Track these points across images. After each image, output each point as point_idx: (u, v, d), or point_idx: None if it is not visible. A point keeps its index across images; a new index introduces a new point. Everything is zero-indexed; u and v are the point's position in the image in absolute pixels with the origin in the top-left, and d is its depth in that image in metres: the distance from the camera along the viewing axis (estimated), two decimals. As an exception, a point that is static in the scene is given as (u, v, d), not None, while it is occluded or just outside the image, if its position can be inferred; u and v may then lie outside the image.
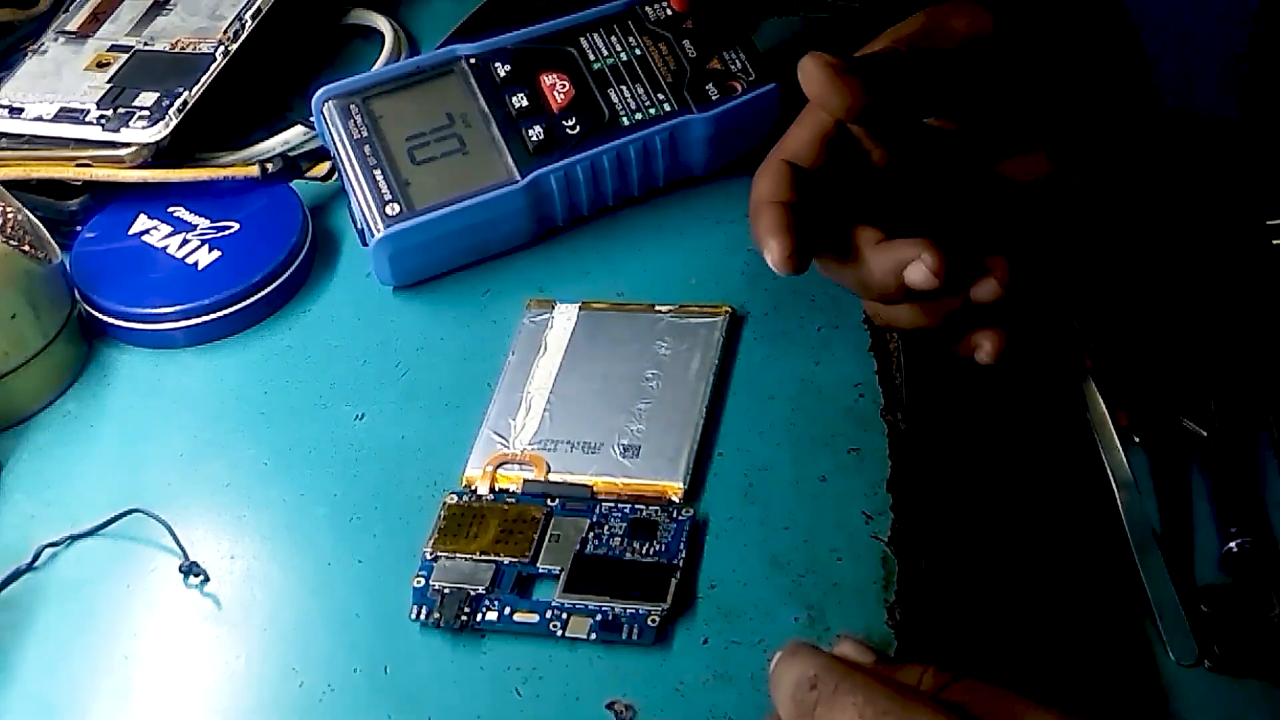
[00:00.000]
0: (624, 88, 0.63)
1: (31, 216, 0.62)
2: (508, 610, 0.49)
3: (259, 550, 0.54)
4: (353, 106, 0.63)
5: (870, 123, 0.50)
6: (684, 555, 0.50)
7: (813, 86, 0.48)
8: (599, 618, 0.48)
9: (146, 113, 0.66)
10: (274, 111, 0.72)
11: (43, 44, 0.72)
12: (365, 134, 0.62)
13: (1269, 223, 0.59)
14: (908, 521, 0.51)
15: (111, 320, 0.62)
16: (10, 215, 0.60)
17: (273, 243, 0.63)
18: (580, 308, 0.60)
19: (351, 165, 0.62)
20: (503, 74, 0.63)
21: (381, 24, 0.77)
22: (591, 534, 0.51)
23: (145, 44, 0.71)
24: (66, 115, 0.67)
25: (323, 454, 0.57)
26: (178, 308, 0.61)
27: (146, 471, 0.57)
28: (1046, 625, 0.51)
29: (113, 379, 0.62)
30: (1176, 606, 0.50)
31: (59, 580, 0.53)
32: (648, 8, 0.65)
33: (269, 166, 0.66)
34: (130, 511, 0.54)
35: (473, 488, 0.53)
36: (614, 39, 0.65)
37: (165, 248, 0.64)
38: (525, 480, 0.53)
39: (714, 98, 0.63)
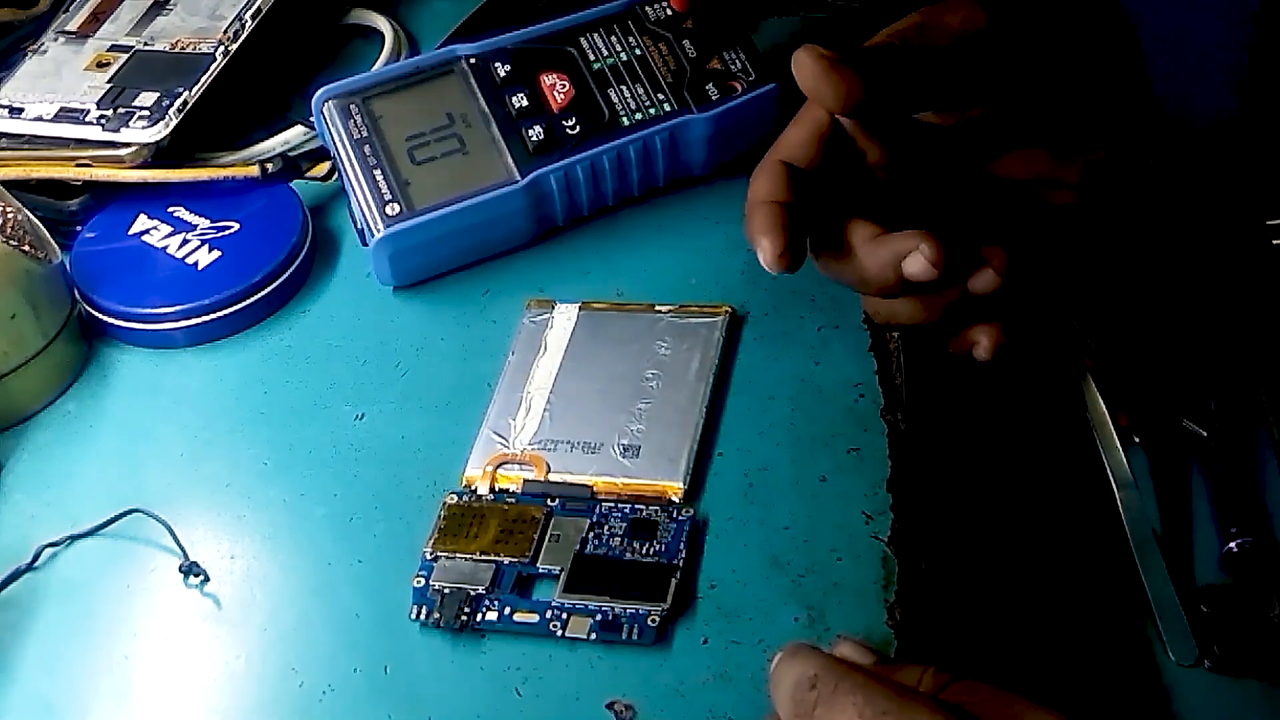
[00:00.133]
0: (624, 88, 0.63)
1: (31, 216, 0.62)
2: (508, 610, 0.49)
3: (259, 550, 0.54)
4: (353, 106, 0.63)
5: (865, 117, 0.50)
6: (684, 555, 0.50)
7: (807, 79, 0.48)
8: (599, 618, 0.48)
9: (146, 113, 0.66)
10: (274, 111, 0.72)
11: (43, 44, 0.72)
12: (365, 134, 0.62)
13: (1269, 223, 0.59)
14: (908, 521, 0.51)
15: (111, 320, 0.62)
16: (10, 215, 0.60)
17: (273, 243, 0.63)
18: (580, 308, 0.60)
19: (351, 165, 0.62)
20: (503, 74, 0.63)
21: (381, 24, 0.77)
22: (591, 534, 0.51)
23: (145, 44, 0.71)
24: (66, 115, 0.67)
25: (323, 454, 0.57)
26: (178, 308, 0.61)
27: (146, 471, 0.57)
28: (1046, 625, 0.51)
29: (113, 379, 0.62)
30: (1176, 606, 0.50)
31: (59, 580, 0.53)
32: (648, 8, 0.65)
33: (269, 166, 0.66)
34: (130, 511, 0.54)
35: (473, 488, 0.54)
36: (614, 39, 0.65)
37: (165, 248, 0.64)
38: (525, 480, 0.53)
39: (714, 98, 0.63)
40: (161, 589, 0.53)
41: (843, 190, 0.51)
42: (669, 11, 0.65)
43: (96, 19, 0.73)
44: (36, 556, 0.53)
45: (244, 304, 0.62)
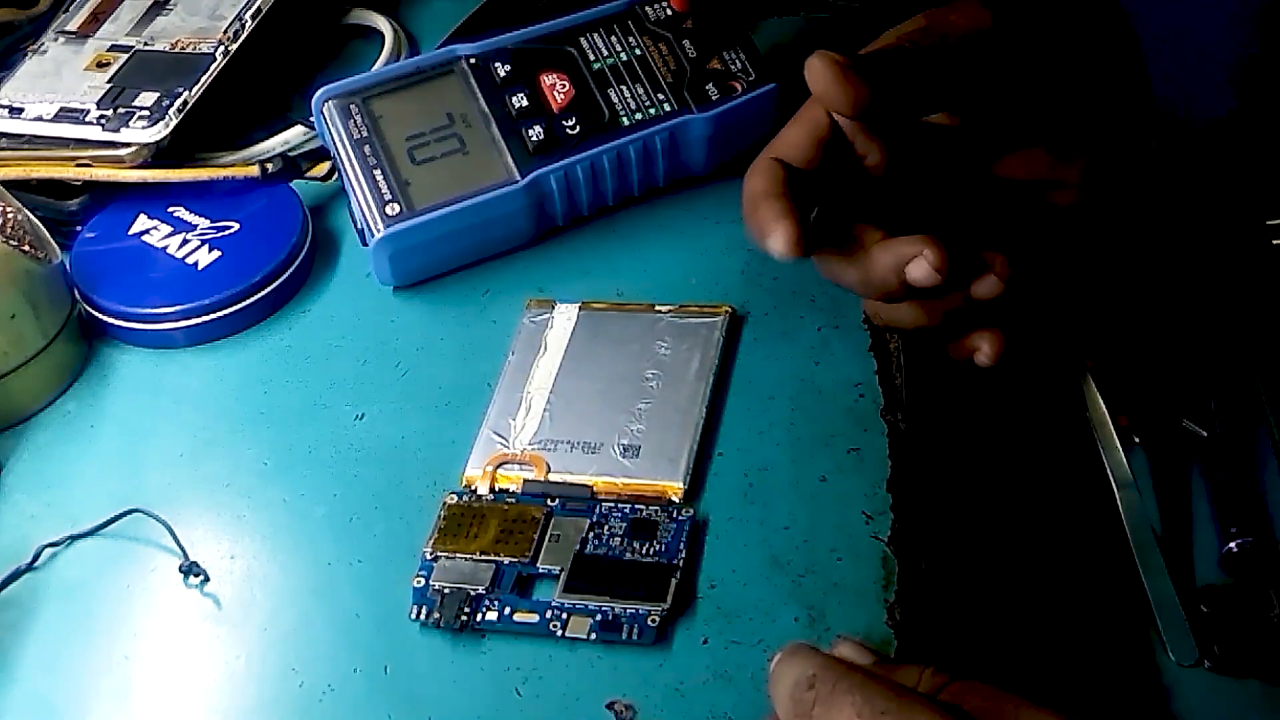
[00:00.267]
0: (624, 88, 0.63)
1: (31, 216, 0.62)
2: (508, 610, 0.49)
3: (259, 550, 0.54)
4: (353, 106, 0.63)
5: (873, 119, 0.50)
6: (684, 555, 0.50)
7: (819, 84, 0.48)
8: (599, 618, 0.48)
9: (146, 113, 0.66)
10: (274, 111, 0.72)
11: (43, 44, 0.72)
12: (365, 134, 0.62)
13: (1269, 223, 0.59)
14: (908, 521, 0.51)
15: (111, 320, 0.62)
16: (10, 215, 0.60)
17: (273, 243, 0.63)
18: (580, 308, 0.60)
19: (351, 165, 0.62)
20: (503, 74, 0.63)
21: (381, 24, 0.77)
22: (591, 534, 0.51)
23: (145, 44, 0.71)
24: (66, 115, 0.67)
25: (323, 454, 0.57)
26: (178, 308, 0.61)
27: (146, 471, 0.57)
28: (1046, 625, 0.51)
29: (113, 379, 0.62)
30: (1176, 606, 0.50)
31: (59, 580, 0.53)
32: (648, 8, 0.65)
33: (269, 166, 0.66)
34: (130, 511, 0.54)
35: (473, 488, 0.54)
36: (614, 39, 0.65)
37: (165, 248, 0.64)
38: (525, 480, 0.53)
39: (714, 98, 0.63)
40: (161, 589, 0.53)
41: (841, 192, 0.51)
42: (669, 11, 0.65)
43: (96, 19, 0.73)
44: (36, 556, 0.53)
45: (244, 304, 0.62)
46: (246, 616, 0.52)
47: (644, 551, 0.50)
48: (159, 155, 0.66)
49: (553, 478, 0.53)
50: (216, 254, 0.63)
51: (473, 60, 0.64)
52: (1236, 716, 0.49)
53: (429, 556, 0.51)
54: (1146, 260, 0.57)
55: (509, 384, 0.57)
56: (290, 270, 0.63)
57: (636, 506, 0.52)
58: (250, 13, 0.71)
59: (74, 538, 0.54)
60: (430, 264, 0.63)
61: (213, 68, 0.69)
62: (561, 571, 0.50)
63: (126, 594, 0.53)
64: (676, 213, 0.64)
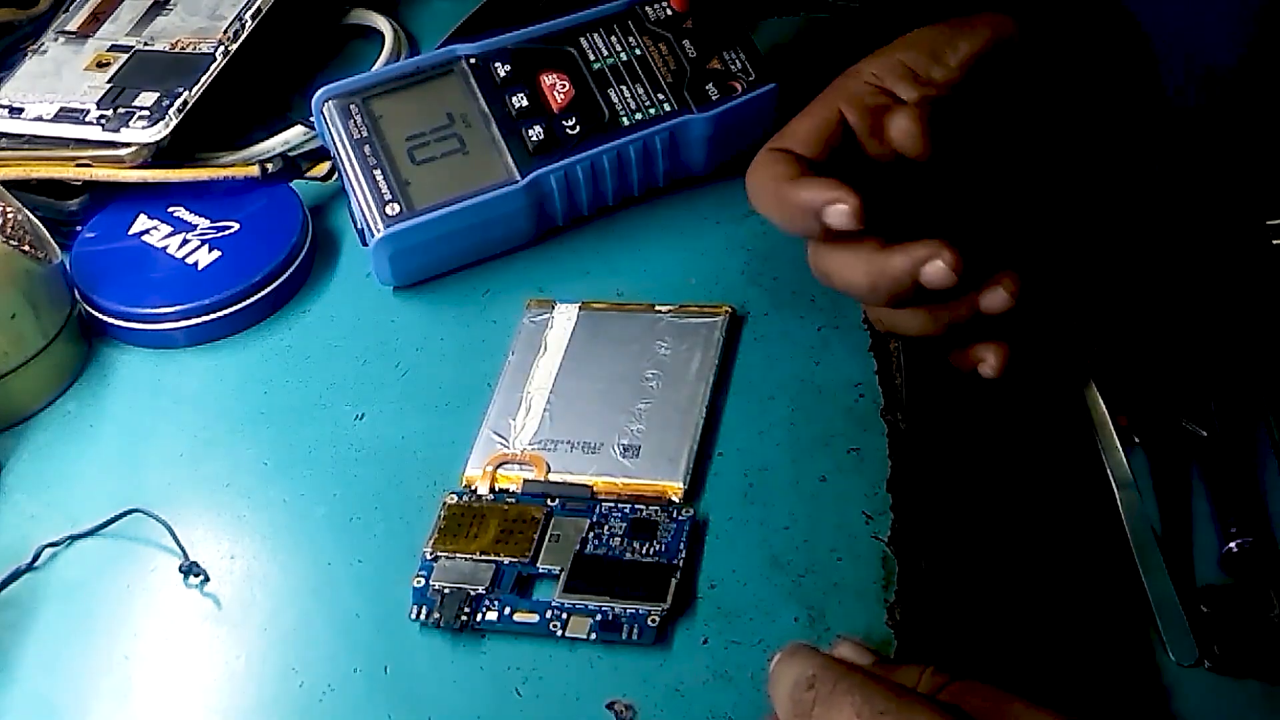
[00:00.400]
0: (624, 88, 0.63)
1: (31, 216, 0.62)
2: (508, 610, 0.49)
3: (259, 550, 0.54)
4: (353, 106, 0.63)
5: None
6: (684, 555, 0.50)
7: (904, 140, 0.48)
8: (599, 618, 0.48)
9: (146, 113, 0.66)
10: (274, 111, 0.72)
11: (43, 44, 0.72)
12: (365, 134, 0.62)
13: (1269, 223, 0.59)
14: (908, 521, 0.51)
15: (111, 320, 0.62)
16: (10, 215, 0.60)
17: (273, 243, 0.63)
18: (580, 308, 0.60)
19: (351, 165, 0.62)
20: (503, 74, 0.63)
21: (381, 24, 0.77)
22: (591, 534, 0.51)
23: (145, 44, 0.71)
24: (66, 115, 0.67)
25: (323, 454, 0.57)
26: (178, 308, 0.61)
27: (146, 471, 0.57)
28: (1046, 625, 0.51)
29: (113, 379, 0.62)
30: (1176, 606, 0.50)
31: (59, 580, 0.53)
32: (648, 8, 0.65)
33: (269, 166, 0.66)
34: (130, 511, 0.54)
35: (473, 488, 0.54)
36: (614, 39, 0.65)
37: (165, 248, 0.64)
38: (525, 480, 0.53)
39: (714, 98, 0.63)
40: (161, 589, 0.53)
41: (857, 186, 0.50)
42: (669, 11, 0.65)
43: (96, 19, 0.73)
44: (36, 556, 0.53)
45: (244, 304, 0.62)
46: (246, 616, 0.52)
47: (644, 551, 0.50)
48: (159, 155, 0.66)
49: (553, 478, 0.53)
50: (216, 254, 0.63)
51: (473, 60, 0.64)
52: (1236, 716, 0.49)
53: (429, 556, 0.51)
54: (1147, 260, 0.57)
55: (509, 384, 0.57)
56: (290, 270, 0.63)
57: (636, 506, 0.52)
58: (250, 13, 0.71)
59: (74, 538, 0.54)
60: (430, 264, 0.63)
61: (213, 68, 0.69)
62: (561, 571, 0.50)
63: (126, 594, 0.53)
64: (676, 213, 0.64)
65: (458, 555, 0.51)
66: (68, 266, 0.63)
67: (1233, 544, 0.51)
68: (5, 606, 0.52)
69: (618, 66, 0.64)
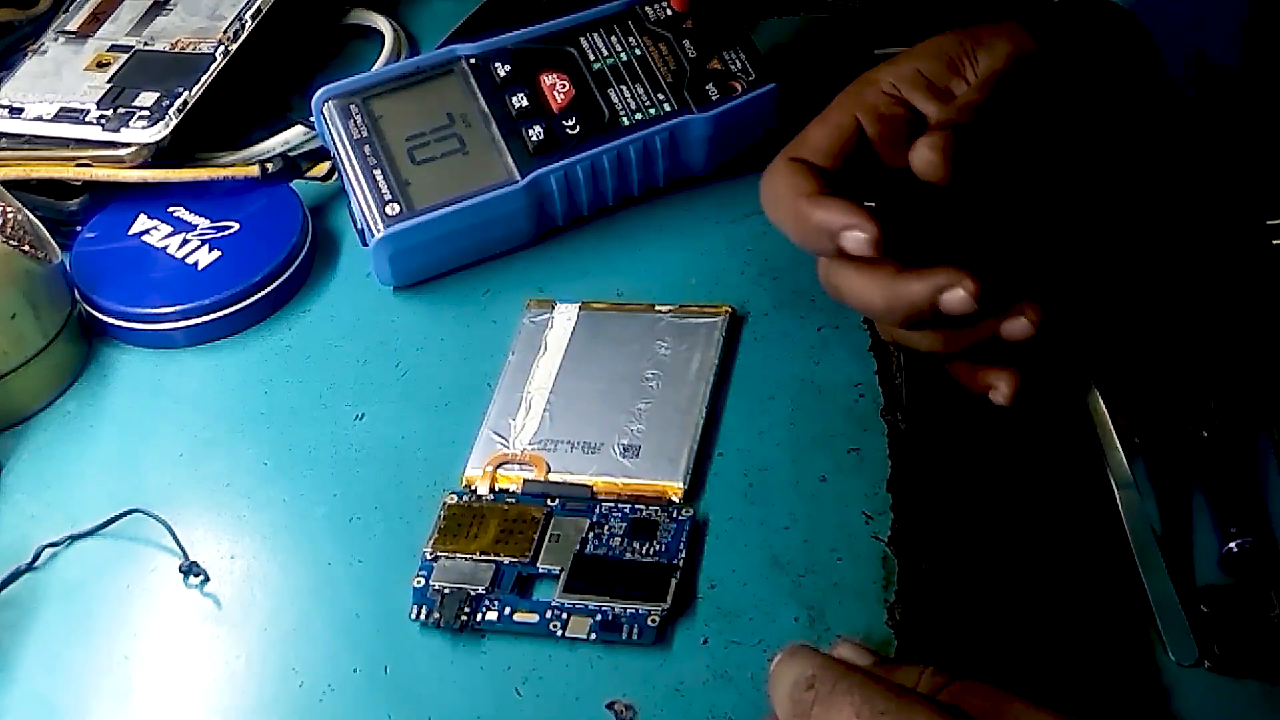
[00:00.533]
0: (624, 88, 0.63)
1: (31, 216, 0.62)
2: (508, 610, 0.49)
3: (259, 550, 0.54)
4: (353, 106, 0.63)
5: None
6: (684, 555, 0.50)
7: (925, 168, 0.48)
8: (599, 618, 0.48)
9: (146, 113, 0.66)
10: (274, 111, 0.72)
11: (43, 44, 0.72)
12: (365, 134, 0.62)
13: (1269, 223, 0.59)
14: (908, 521, 0.51)
15: (111, 320, 0.62)
16: (10, 215, 0.60)
17: (273, 243, 0.63)
18: (580, 308, 0.60)
19: (351, 165, 0.62)
20: (503, 74, 0.63)
21: (381, 24, 0.77)
22: (591, 534, 0.51)
23: (145, 44, 0.71)
24: (66, 115, 0.67)
25: (323, 454, 0.57)
26: (178, 308, 0.61)
27: (146, 471, 0.57)
28: (1046, 625, 0.51)
29: (113, 379, 0.62)
30: (1176, 606, 0.50)
31: (59, 580, 0.53)
32: (648, 8, 0.65)
33: (269, 166, 0.66)
34: (130, 511, 0.54)
35: (473, 488, 0.54)
36: (614, 39, 0.65)
37: (165, 248, 0.64)
38: (525, 480, 0.53)
39: (714, 98, 0.63)
40: (161, 589, 0.53)
41: (862, 200, 0.50)
42: (669, 11, 0.65)
43: (96, 19, 0.73)
44: (36, 556, 0.54)
45: (244, 304, 0.62)
46: (246, 616, 0.52)
47: (644, 551, 0.50)
48: (159, 155, 0.66)
49: (553, 478, 0.53)
50: (216, 254, 0.63)
51: (473, 60, 0.64)
52: (1236, 716, 0.48)
53: (429, 556, 0.51)
54: (1148, 261, 0.57)
55: (509, 384, 0.57)
56: (290, 270, 0.63)
57: (636, 506, 0.52)
58: (250, 13, 0.71)
59: (74, 538, 0.54)
60: (430, 264, 0.63)
61: (213, 68, 0.69)
62: (561, 571, 0.50)
63: (126, 594, 0.53)
64: (676, 213, 0.64)
65: (458, 555, 0.51)
66: (68, 266, 0.63)
67: (1233, 544, 0.51)
68: (5, 606, 0.52)
69: (618, 66, 0.64)
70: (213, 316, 0.62)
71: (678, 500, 0.52)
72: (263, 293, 0.62)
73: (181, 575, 0.53)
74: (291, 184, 0.67)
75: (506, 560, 0.50)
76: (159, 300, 0.62)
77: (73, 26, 0.73)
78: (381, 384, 0.59)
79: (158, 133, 0.65)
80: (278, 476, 0.56)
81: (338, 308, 0.63)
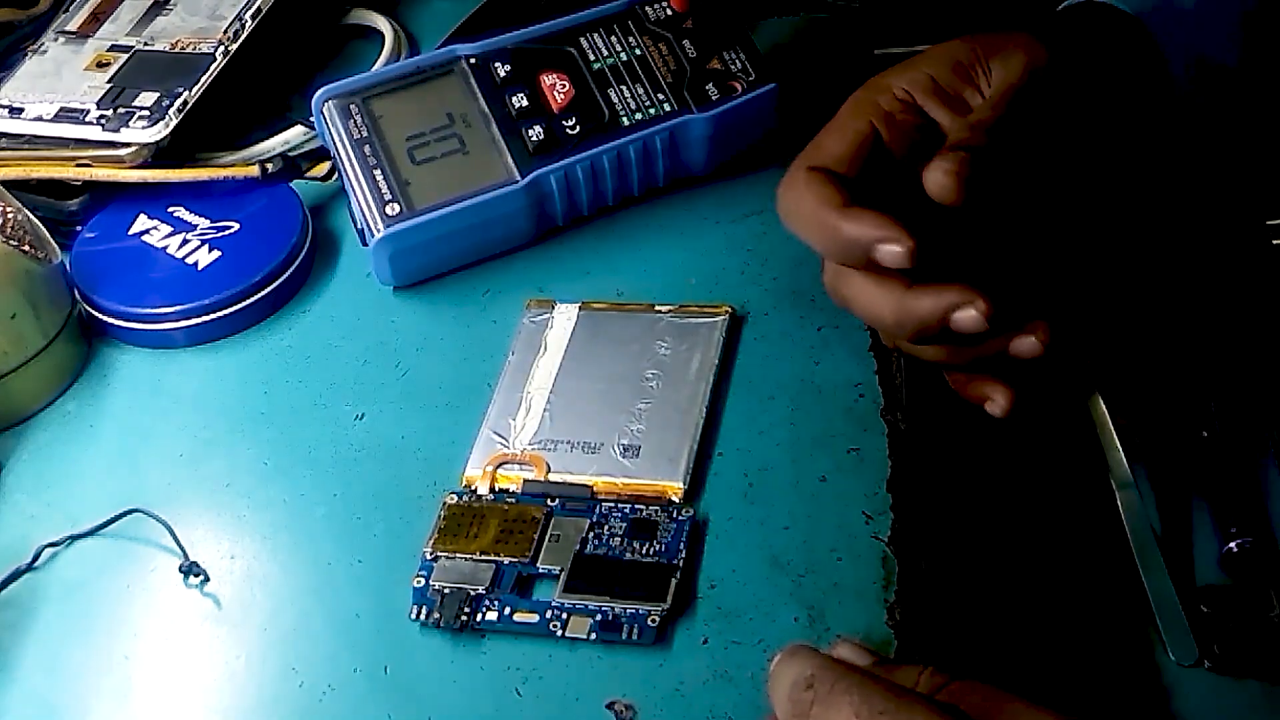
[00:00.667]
0: (624, 88, 0.63)
1: (31, 216, 0.62)
2: (508, 610, 0.49)
3: (259, 550, 0.54)
4: (353, 106, 0.63)
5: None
6: (684, 555, 0.50)
7: (941, 192, 0.47)
8: (599, 618, 0.48)
9: (146, 113, 0.66)
10: (274, 111, 0.72)
11: (43, 44, 0.72)
12: (365, 134, 0.62)
13: (1269, 223, 0.59)
14: (908, 521, 0.51)
15: (111, 320, 0.62)
16: (10, 215, 0.60)
17: (273, 243, 0.63)
18: (580, 308, 0.60)
19: (351, 165, 0.62)
20: (503, 74, 0.63)
21: (381, 24, 0.77)
22: (591, 534, 0.51)
23: (145, 44, 0.71)
24: (66, 115, 0.67)
25: (323, 454, 0.57)
26: (178, 308, 0.61)
27: (146, 471, 0.57)
28: (1046, 625, 0.51)
29: (113, 379, 0.62)
30: (1176, 606, 0.50)
31: (59, 580, 0.53)
32: (648, 8, 0.65)
33: (269, 166, 0.66)
34: (130, 511, 0.54)
35: (473, 488, 0.54)
36: (614, 39, 0.65)
37: (165, 248, 0.64)
38: (525, 480, 0.53)
39: (714, 98, 0.63)
40: (161, 589, 0.53)
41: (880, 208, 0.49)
42: (669, 11, 0.65)
43: (96, 19, 0.73)
44: (36, 556, 0.54)
45: (244, 304, 0.62)
46: (246, 616, 0.52)
47: (644, 551, 0.50)
48: (159, 155, 0.66)
49: (553, 478, 0.53)
50: (216, 254, 0.63)
51: (473, 60, 0.64)
52: (1236, 716, 0.48)
53: (429, 556, 0.51)
54: (1148, 262, 0.57)
55: (509, 384, 0.57)
56: (290, 270, 0.63)
57: (636, 506, 0.52)
58: (250, 13, 0.71)
59: (74, 538, 0.54)
60: (430, 264, 0.63)
61: (213, 68, 0.69)
62: (561, 571, 0.50)
63: (126, 594, 0.53)
64: (676, 213, 0.64)
65: (458, 555, 0.51)
66: (68, 266, 0.63)
67: (1233, 544, 0.51)
68: (5, 606, 0.52)
69: (618, 66, 0.64)
70: (213, 316, 0.62)
71: (678, 500, 0.52)
72: (263, 293, 0.62)
73: (181, 575, 0.53)
74: (291, 184, 0.67)
75: (506, 560, 0.50)
76: (159, 300, 0.62)
77: (73, 26, 0.73)
78: (381, 384, 0.59)
79: (158, 133, 0.65)
80: (278, 476, 0.56)
81: (338, 308, 0.63)
